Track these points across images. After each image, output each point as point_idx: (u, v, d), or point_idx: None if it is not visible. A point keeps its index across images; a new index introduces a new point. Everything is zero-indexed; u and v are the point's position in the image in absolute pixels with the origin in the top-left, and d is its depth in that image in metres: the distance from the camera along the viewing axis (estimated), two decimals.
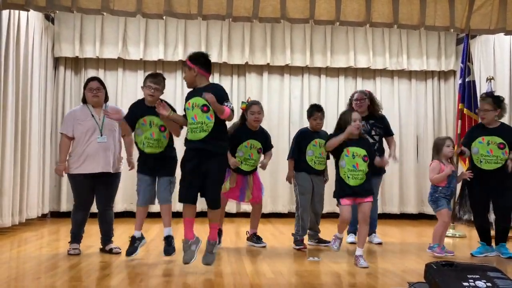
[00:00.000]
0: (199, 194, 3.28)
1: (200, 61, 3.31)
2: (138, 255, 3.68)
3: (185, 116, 3.35)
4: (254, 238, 4.33)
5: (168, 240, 3.66)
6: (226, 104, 3.22)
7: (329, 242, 4.24)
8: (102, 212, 3.88)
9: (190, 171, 3.24)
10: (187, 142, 3.31)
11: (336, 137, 3.63)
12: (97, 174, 3.75)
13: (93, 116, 3.78)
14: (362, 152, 3.61)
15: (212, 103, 3.13)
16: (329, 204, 6.36)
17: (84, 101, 3.88)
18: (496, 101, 4.00)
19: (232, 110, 3.25)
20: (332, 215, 6.34)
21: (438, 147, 4.06)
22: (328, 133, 4.27)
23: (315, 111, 4.32)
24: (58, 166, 3.88)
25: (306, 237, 4.31)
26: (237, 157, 4.11)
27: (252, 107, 4.15)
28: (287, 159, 4.40)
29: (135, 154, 3.84)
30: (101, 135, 3.75)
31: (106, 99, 3.92)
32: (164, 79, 3.76)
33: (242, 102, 4.23)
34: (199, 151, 3.24)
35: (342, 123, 3.66)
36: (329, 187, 4.38)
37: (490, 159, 3.91)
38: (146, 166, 3.67)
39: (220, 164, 3.32)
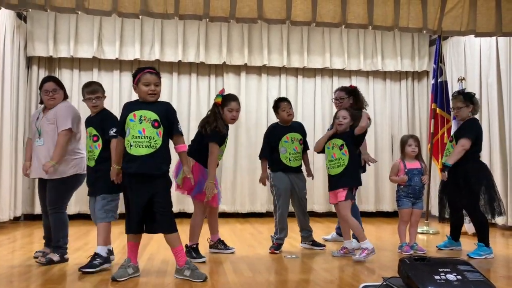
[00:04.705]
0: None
1: None
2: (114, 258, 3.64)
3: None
4: (220, 244, 3.97)
5: (94, 256, 3.25)
6: (178, 126, 3.08)
7: (323, 245, 4.20)
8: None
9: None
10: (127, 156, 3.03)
11: (322, 137, 3.89)
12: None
13: (37, 118, 3.57)
14: (339, 142, 3.78)
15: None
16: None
17: (42, 102, 3.63)
18: (467, 98, 4.05)
19: (182, 133, 3.12)
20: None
21: (402, 145, 4.14)
22: (303, 126, 4.26)
23: (280, 102, 4.11)
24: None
25: (296, 240, 4.29)
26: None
27: (230, 103, 3.70)
28: (259, 159, 4.17)
29: None
30: (39, 138, 3.51)
31: (65, 97, 3.67)
32: (100, 85, 3.53)
33: (217, 96, 3.72)
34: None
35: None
36: (324, 184, 4.47)
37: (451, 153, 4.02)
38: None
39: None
